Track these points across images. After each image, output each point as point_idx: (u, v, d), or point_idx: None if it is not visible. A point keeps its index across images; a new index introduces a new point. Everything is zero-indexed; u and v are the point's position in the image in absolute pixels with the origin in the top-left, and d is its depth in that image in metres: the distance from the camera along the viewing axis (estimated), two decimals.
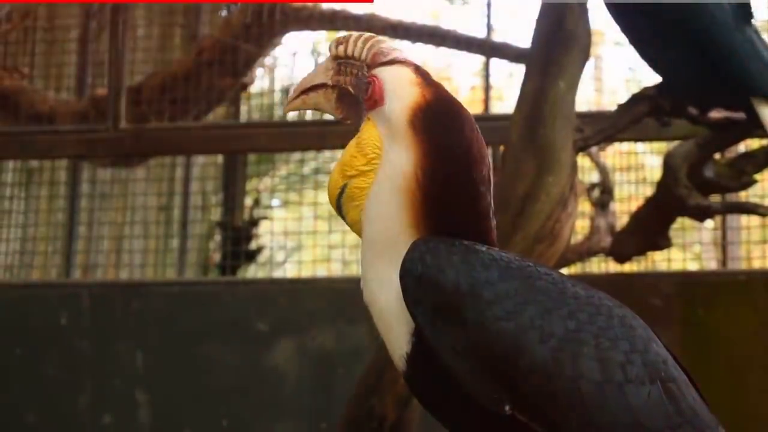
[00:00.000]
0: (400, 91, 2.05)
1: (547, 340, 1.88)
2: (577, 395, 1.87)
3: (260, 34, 6.91)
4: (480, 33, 6.87)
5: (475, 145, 2.03)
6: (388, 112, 2.05)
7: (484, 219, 2.05)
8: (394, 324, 2.00)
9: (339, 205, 2.10)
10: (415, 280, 1.93)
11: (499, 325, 1.89)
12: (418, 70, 2.08)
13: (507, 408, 1.89)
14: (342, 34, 2.22)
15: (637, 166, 6.83)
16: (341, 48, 2.13)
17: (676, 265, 6.59)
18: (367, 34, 2.15)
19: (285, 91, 7.89)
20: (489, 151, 2.13)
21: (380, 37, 2.15)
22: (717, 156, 5.25)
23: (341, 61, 2.14)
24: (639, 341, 1.95)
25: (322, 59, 8.31)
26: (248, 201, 7.79)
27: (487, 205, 2.04)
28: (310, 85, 2.18)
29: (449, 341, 1.91)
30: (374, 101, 2.07)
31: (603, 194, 6.09)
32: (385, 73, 2.08)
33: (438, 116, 2.03)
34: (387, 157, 2.03)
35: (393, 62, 2.10)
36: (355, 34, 2.16)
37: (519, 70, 6.40)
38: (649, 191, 5.74)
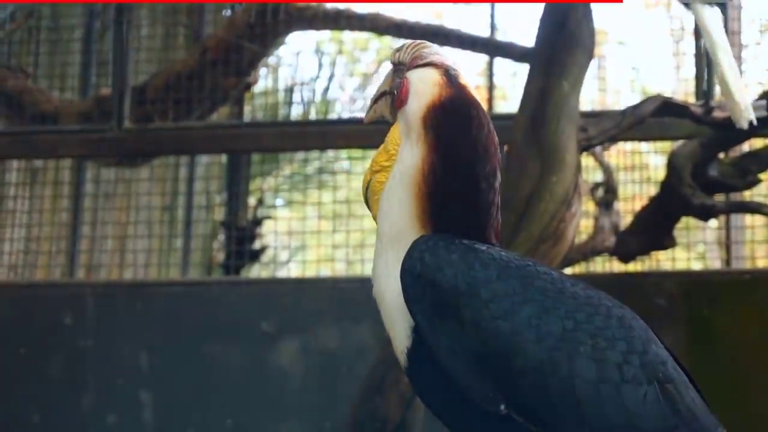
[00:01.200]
0: (421, 91, 2.10)
1: (543, 340, 1.89)
2: (571, 395, 1.87)
3: (264, 33, 6.89)
4: (484, 32, 6.86)
5: (480, 142, 2.06)
6: (407, 110, 2.10)
7: (485, 214, 2.06)
8: (397, 319, 2.02)
9: (366, 199, 2.16)
10: (413, 279, 1.95)
11: (496, 324, 1.90)
12: (447, 73, 2.12)
13: (502, 407, 1.90)
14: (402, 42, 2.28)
15: (641, 166, 6.82)
16: (397, 55, 2.20)
17: (680, 265, 6.57)
18: (420, 42, 2.20)
19: (289, 90, 7.89)
20: None
21: (428, 44, 2.19)
22: (721, 155, 5.25)
23: (396, 67, 2.20)
24: (637, 342, 1.95)
25: (325, 59, 8.35)
26: (252, 201, 7.79)
27: (489, 202, 2.06)
28: (378, 94, 2.23)
29: (446, 339, 1.92)
30: (401, 101, 2.13)
31: (607, 193, 6.08)
32: (413, 75, 2.14)
33: (447, 114, 2.07)
34: (401, 153, 2.08)
35: (427, 65, 2.14)
36: (410, 41, 2.21)
37: (523, 69, 6.39)
38: (653, 191, 5.74)
